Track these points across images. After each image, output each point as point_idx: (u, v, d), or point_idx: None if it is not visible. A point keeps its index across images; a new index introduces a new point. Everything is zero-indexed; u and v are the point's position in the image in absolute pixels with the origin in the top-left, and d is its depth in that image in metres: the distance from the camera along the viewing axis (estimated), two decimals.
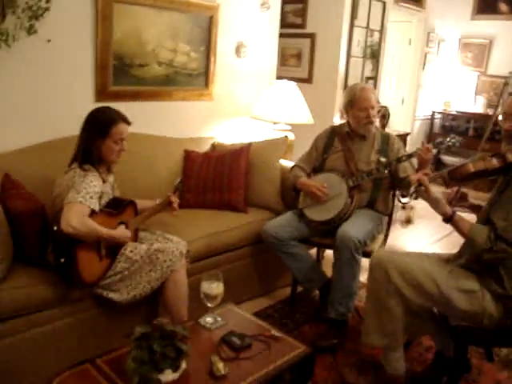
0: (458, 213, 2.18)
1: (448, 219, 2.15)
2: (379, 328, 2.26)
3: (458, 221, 2.14)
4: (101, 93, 3.07)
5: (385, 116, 5.59)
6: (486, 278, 2.11)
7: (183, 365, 1.67)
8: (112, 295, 2.32)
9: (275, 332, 2.04)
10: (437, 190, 2.25)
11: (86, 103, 2.99)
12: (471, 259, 2.17)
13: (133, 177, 3.00)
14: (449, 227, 2.22)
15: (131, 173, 2.97)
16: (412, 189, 2.19)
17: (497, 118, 3.43)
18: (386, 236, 3.14)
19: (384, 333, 2.26)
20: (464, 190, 2.39)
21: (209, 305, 2.02)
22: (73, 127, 2.80)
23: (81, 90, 3.01)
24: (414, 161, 2.82)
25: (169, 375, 1.63)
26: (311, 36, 5.38)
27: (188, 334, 1.75)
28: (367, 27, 5.56)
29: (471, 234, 2.09)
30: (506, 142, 2.16)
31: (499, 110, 5.29)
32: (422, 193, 2.19)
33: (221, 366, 1.74)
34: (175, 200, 2.63)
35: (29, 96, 2.78)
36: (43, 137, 2.83)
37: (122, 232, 2.32)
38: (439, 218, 2.22)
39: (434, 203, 2.20)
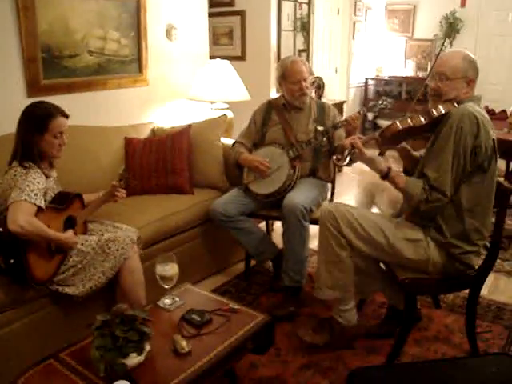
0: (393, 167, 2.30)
1: (385, 176, 2.27)
2: (331, 280, 2.37)
3: (394, 176, 2.25)
4: (32, 87, 3.00)
5: (320, 86, 5.73)
6: (427, 228, 2.25)
7: (147, 347, 1.71)
8: (68, 290, 2.31)
9: (233, 305, 2.10)
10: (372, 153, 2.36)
11: (17, 99, 2.92)
12: (411, 212, 2.30)
13: (75, 170, 2.96)
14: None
15: (73, 166, 2.93)
16: (346, 152, 2.29)
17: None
18: (331, 201, 3.25)
19: (336, 285, 2.37)
20: None
21: (165, 286, 2.06)
22: (6, 125, 2.76)
23: (10, 86, 2.92)
24: (342, 132, 2.94)
25: (134, 359, 1.66)
26: (241, 13, 5.40)
27: (148, 316, 1.79)
28: (295, 0, 5.62)
29: (407, 186, 2.21)
30: (432, 100, 2.28)
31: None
32: (356, 155, 2.29)
33: (184, 344, 1.79)
34: (121, 189, 2.62)
35: None
36: None
37: (68, 236, 2.29)
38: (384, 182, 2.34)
39: (369, 163, 2.31)
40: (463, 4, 6.96)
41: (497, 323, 2.78)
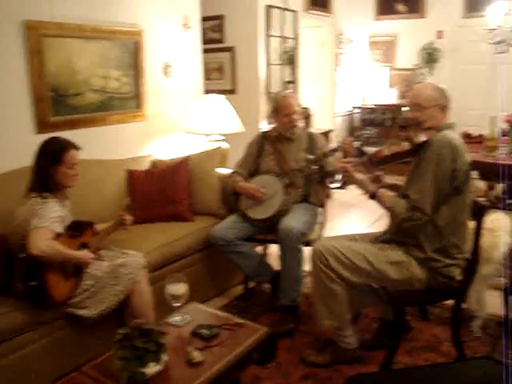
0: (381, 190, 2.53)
1: (372, 196, 2.50)
2: (328, 313, 2.56)
3: (380, 196, 2.48)
4: (41, 124, 3.21)
5: (308, 116, 5.99)
6: (409, 247, 2.46)
7: (164, 357, 1.88)
8: (82, 312, 2.48)
9: (238, 320, 2.28)
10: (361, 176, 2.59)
11: (27, 136, 3.14)
12: (395, 231, 2.52)
13: (81, 201, 3.12)
14: (377, 212, 2.56)
15: (80, 197, 3.09)
16: (339, 176, 2.53)
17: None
18: (323, 225, 3.47)
19: (333, 315, 2.56)
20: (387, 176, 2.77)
21: (175, 304, 2.23)
22: (18, 160, 2.97)
23: (21, 123, 3.13)
24: (338, 154, 3.16)
25: (153, 368, 1.83)
26: (231, 49, 5.70)
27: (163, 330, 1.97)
28: (282, 36, 5.94)
29: (392, 205, 2.44)
30: (413, 128, 2.52)
31: None
32: (347, 178, 2.52)
33: (196, 354, 1.96)
34: (128, 218, 2.82)
35: None
36: None
37: (85, 254, 2.49)
38: (369, 205, 2.56)
39: (359, 184, 2.55)
40: (440, 36, 7.35)
41: (483, 333, 2.97)
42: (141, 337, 1.84)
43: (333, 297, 2.53)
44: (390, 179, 2.77)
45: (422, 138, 2.40)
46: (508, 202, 3.96)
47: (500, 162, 3.74)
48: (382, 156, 2.49)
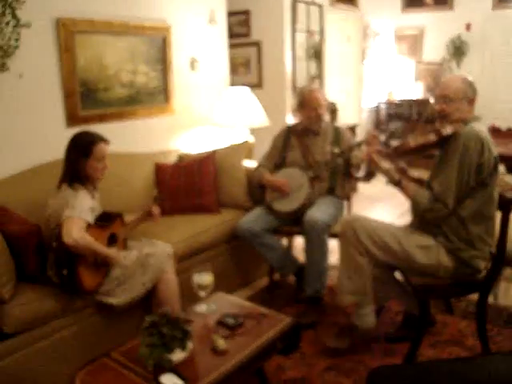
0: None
1: (397, 184, 2.53)
2: (352, 286, 2.59)
3: (405, 185, 2.51)
4: (71, 119, 3.29)
5: (334, 111, 5.98)
6: (437, 235, 2.47)
7: (190, 344, 1.94)
8: (111, 300, 2.55)
9: (262, 310, 2.33)
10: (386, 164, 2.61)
11: (58, 129, 3.22)
12: (418, 223, 2.53)
13: (111, 193, 3.20)
14: (403, 207, 2.56)
15: (109, 189, 3.16)
16: (363, 164, 2.54)
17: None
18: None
19: (356, 290, 2.59)
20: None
21: (202, 294, 2.28)
22: (50, 153, 3.07)
23: (52, 117, 3.21)
24: (363, 148, 3.16)
25: (179, 354, 1.89)
26: (257, 44, 5.72)
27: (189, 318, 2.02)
28: (308, 30, 5.94)
29: (415, 195, 2.46)
30: (439, 121, 2.52)
31: None
32: (373, 166, 2.54)
33: (221, 342, 2.02)
34: (155, 210, 2.89)
35: (5, 128, 2.96)
36: (24, 165, 3.02)
37: (115, 253, 2.56)
38: (395, 200, 2.58)
39: (384, 172, 2.57)
40: (468, 28, 7.25)
41: (508, 327, 2.96)
42: (167, 324, 1.90)
43: (358, 270, 2.56)
44: (415, 173, 2.77)
45: (449, 130, 2.40)
46: None
47: None
48: (407, 147, 2.50)
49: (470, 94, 2.45)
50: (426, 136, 2.47)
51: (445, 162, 2.40)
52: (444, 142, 2.43)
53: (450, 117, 2.44)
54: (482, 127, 2.41)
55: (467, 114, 2.45)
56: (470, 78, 2.50)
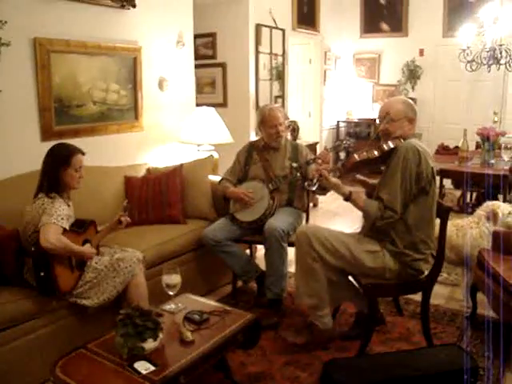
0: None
1: (347, 198, 2.77)
2: (307, 289, 2.83)
3: (355, 198, 2.76)
4: (46, 133, 3.47)
5: (294, 129, 6.30)
6: (382, 241, 2.75)
7: (160, 335, 2.14)
8: (84, 302, 2.73)
9: (226, 308, 2.55)
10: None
11: (33, 143, 3.40)
12: (369, 231, 2.81)
13: (83, 203, 3.34)
14: (359, 221, 2.81)
15: (81, 200, 3.32)
16: (315, 180, 2.80)
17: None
18: None
19: (311, 293, 2.83)
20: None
21: (170, 293, 2.48)
22: (26, 165, 3.23)
23: (28, 132, 3.39)
24: (319, 162, 3.44)
25: (151, 344, 2.08)
26: (222, 65, 6.01)
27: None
28: (271, 52, 6.27)
29: (366, 206, 2.72)
30: (383, 138, 2.82)
31: None
32: (323, 181, 2.80)
33: (188, 334, 2.23)
34: (125, 218, 3.08)
35: None
36: (0, 176, 3.17)
37: (89, 249, 2.75)
38: (352, 215, 2.83)
39: (334, 187, 2.81)
40: (421, 53, 7.73)
41: (451, 325, 3.25)
42: (140, 316, 2.10)
43: (313, 275, 2.80)
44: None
45: (390, 145, 2.70)
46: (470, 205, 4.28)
47: (467, 170, 4.06)
48: (353, 162, 2.77)
49: (410, 114, 2.76)
50: (369, 151, 2.76)
51: (389, 173, 2.68)
52: (386, 156, 2.72)
53: (392, 134, 2.74)
54: (419, 142, 2.72)
55: (408, 131, 2.75)
56: (410, 101, 2.82)
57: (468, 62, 4.61)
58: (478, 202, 4.46)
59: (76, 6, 3.61)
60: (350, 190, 2.78)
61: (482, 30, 4.62)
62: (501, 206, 3.50)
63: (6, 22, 3.03)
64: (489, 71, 4.69)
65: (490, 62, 4.63)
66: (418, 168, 2.60)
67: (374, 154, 2.74)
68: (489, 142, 4.50)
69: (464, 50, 4.58)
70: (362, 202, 2.75)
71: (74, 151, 2.76)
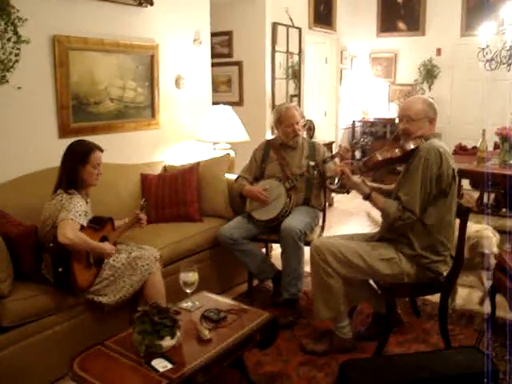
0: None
1: (367, 197, 2.74)
2: (325, 305, 2.80)
3: (374, 198, 2.73)
4: (63, 130, 3.49)
5: (311, 128, 6.28)
6: (400, 244, 2.72)
7: (178, 333, 2.13)
8: (101, 299, 2.74)
9: (243, 306, 2.54)
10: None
11: (51, 140, 3.42)
12: (386, 230, 2.77)
13: (100, 200, 3.37)
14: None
15: (99, 197, 3.34)
16: (337, 178, 2.78)
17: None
18: (323, 227, 3.73)
19: (330, 307, 2.80)
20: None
21: (187, 291, 2.48)
22: (43, 161, 3.26)
23: (46, 129, 3.41)
24: (337, 161, 3.42)
25: (168, 341, 2.08)
26: (238, 63, 6.00)
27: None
28: (287, 51, 6.24)
29: (385, 206, 2.69)
30: (403, 138, 2.78)
31: None
32: (344, 179, 2.77)
33: (206, 333, 2.22)
34: (143, 217, 3.08)
35: (2, 137, 3.14)
36: (19, 173, 3.19)
37: (108, 246, 2.76)
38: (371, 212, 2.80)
39: (355, 186, 2.79)
40: (439, 53, 7.66)
41: (469, 327, 3.21)
42: (158, 313, 2.10)
43: (330, 290, 2.77)
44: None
45: (411, 145, 2.66)
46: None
47: (486, 171, 4.00)
48: (375, 161, 2.74)
49: (430, 114, 2.72)
50: (392, 151, 2.73)
51: (409, 174, 2.65)
52: (408, 156, 2.69)
53: (412, 134, 2.70)
54: (440, 143, 2.68)
55: (428, 131, 2.71)
56: (431, 100, 2.78)
57: (487, 60, 4.55)
58: (497, 203, 4.39)
59: (94, 3, 3.62)
60: (372, 187, 2.75)
61: (503, 29, 4.55)
62: None
63: (26, 19, 3.05)
64: (508, 70, 4.63)
65: (510, 61, 4.57)
66: (438, 170, 2.57)
67: (395, 154, 2.71)
68: (508, 141, 4.43)
69: (483, 49, 4.53)
70: (382, 201, 2.72)
71: (92, 148, 2.77)
